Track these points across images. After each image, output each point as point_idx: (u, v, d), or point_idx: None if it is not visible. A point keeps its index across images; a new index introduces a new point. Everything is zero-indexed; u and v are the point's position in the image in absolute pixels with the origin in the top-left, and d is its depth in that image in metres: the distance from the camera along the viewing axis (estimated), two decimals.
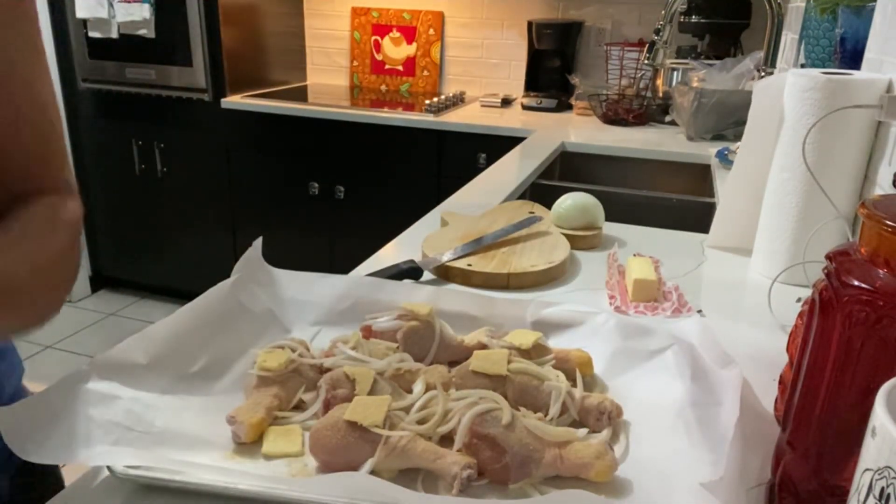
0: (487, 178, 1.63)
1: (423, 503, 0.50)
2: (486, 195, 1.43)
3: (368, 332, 0.73)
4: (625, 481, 0.56)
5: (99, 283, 3.25)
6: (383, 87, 3.14)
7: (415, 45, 3.05)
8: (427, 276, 0.94)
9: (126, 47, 2.75)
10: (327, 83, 3.23)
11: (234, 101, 2.68)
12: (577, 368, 0.67)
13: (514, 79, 2.95)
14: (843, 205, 0.92)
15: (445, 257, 0.96)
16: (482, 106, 2.78)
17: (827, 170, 0.91)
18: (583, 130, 2.34)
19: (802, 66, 1.61)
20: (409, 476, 0.56)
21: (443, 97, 2.74)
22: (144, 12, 2.64)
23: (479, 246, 1.00)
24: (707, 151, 1.96)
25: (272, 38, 2.99)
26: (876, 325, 0.43)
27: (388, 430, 0.55)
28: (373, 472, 0.54)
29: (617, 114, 2.43)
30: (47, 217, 0.56)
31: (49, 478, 0.67)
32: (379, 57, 3.11)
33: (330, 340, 0.71)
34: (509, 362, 0.64)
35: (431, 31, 3.01)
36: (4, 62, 0.54)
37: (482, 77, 3.03)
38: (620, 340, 0.73)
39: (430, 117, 2.48)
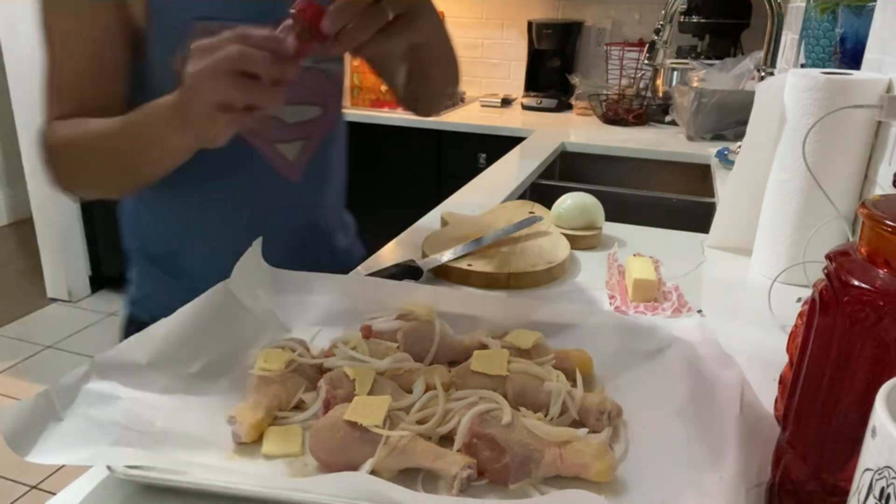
0: (487, 178, 1.63)
1: (423, 503, 0.50)
2: (486, 195, 1.43)
3: (368, 332, 0.73)
4: (625, 481, 0.55)
5: (99, 283, 3.25)
6: (383, 87, 3.13)
7: None
8: (427, 276, 0.94)
9: None
10: None
11: None
12: (577, 368, 0.67)
13: (514, 79, 2.96)
14: (843, 205, 0.92)
15: (445, 257, 0.96)
16: (482, 106, 2.78)
17: (827, 170, 0.91)
18: (583, 130, 2.34)
19: (802, 66, 1.61)
20: (409, 476, 0.56)
21: None
22: None
23: (479, 246, 1.00)
24: (707, 151, 1.96)
25: None
26: (876, 325, 0.43)
27: (388, 430, 0.55)
28: (373, 472, 0.54)
29: (617, 114, 2.43)
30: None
31: None
32: None
33: (330, 340, 0.71)
34: (509, 362, 0.64)
35: None
36: None
37: (482, 77, 3.03)
38: (620, 340, 0.73)
39: (429, 117, 2.48)
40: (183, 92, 0.64)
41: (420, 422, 0.58)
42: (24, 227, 3.84)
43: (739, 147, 1.29)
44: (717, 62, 2.19)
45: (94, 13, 0.78)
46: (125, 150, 0.74)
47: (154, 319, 0.74)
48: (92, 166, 0.77)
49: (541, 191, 1.78)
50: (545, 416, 0.61)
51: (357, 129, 2.54)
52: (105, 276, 3.23)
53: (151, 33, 0.81)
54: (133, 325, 0.97)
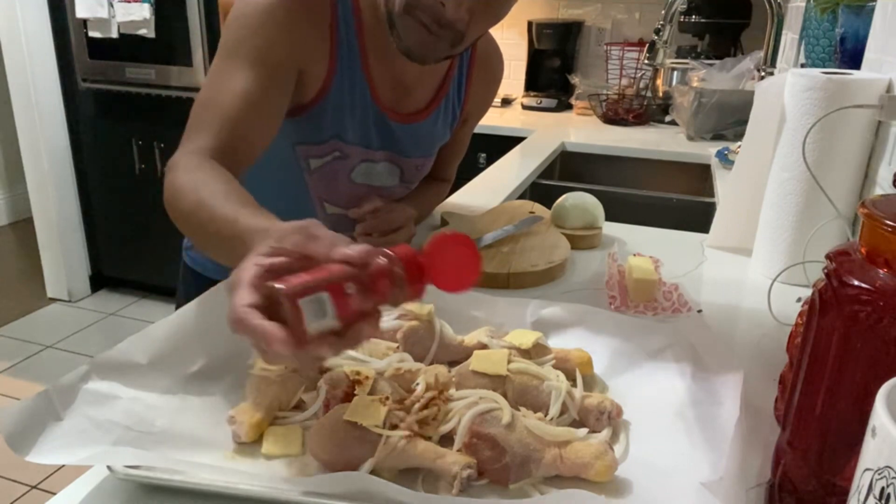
0: (487, 178, 1.63)
1: (423, 503, 0.50)
2: (486, 195, 1.43)
3: None
4: (625, 481, 0.55)
5: (99, 283, 3.25)
6: None
7: None
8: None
9: (126, 47, 2.75)
10: None
11: None
12: (577, 368, 0.67)
13: (514, 79, 2.95)
14: (843, 205, 0.92)
15: None
16: None
17: (827, 170, 0.91)
18: (583, 130, 2.34)
19: (802, 65, 1.61)
20: (409, 476, 0.56)
21: None
22: (144, 12, 2.64)
23: (479, 246, 1.00)
24: (707, 151, 1.96)
25: None
26: (876, 325, 0.43)
27: (388, 430, 0.55)
28: (373, 472, 0.54)
29: (617, 114, 2.43)
30: (441, 190, 1.23)
31: None
32: None
33: None
34: (509, 362, 0.64)
35: None
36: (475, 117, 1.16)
37: None
38: (620, 340, 0.73)
39: None
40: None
41: (420, 422, 0.58)
42: (24, 227, 3.84)
43: (739, 147, 1.29)
44: (717, 62, 2.19)
45: (264, 79, 0.83)
46: (198, 234, 0.74)
47: (198, 272, 1.08)
48: (180, 219, 0.75)
49: (541, 191, 1.78)
50: (545, 416, 0.61)
51: None
52: (105, 276, 3.23)
53: (304, 118, 0.93)
54: (188, 272, 1.15)
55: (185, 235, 0.80)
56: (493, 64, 1.11)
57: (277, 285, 0.48)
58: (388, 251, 0.53)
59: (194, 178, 0.73)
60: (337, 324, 0.49)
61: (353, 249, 0.52)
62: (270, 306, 0.49)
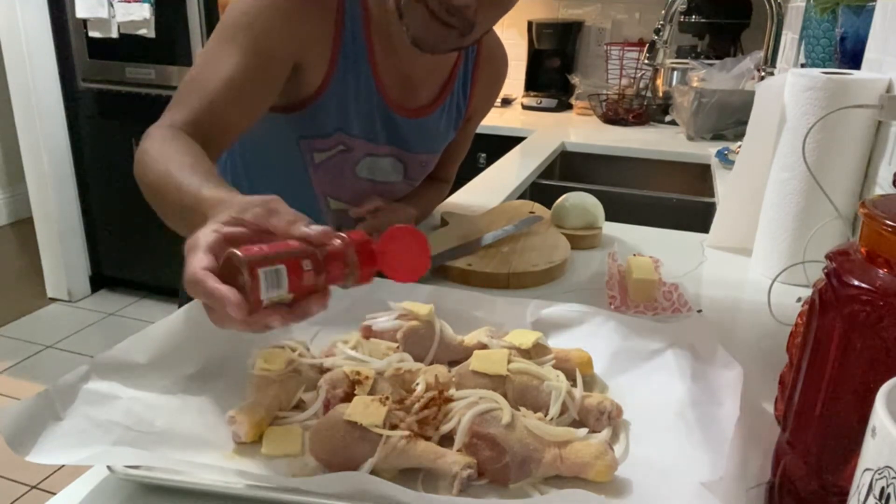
0: (487, 178, 1.63)
1: (423, 503, 0.50)
2: (486, 195, 1.43)
3: (368, 332, 0.73)
4: (625, 481, 0.55)
5: (99, 283, 3.25)
6: None
7: None
8: (427, 275, 0.94)
9: (126, 47, 2.75)
10: None
11: None
12: (577, 368, 0.67)
13: (514, 78, 2.94)
14: (843, 205, 0.92)
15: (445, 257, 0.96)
16: None
17: (827, 169, 0.91)
18: (583, 130, 2.34)
19: (802, 65, 1.61)
20: (409, 476, 0.56)
21: None
22: (144, 12, 2.64)
23: (479, 246, 1.00)
24: (707, 151, 1.96)
25: None
26: (876, 325, 0.43)
27: (388, 430, 0.55)
28: (373, 472, 0.54)
29: (617, 114, 2.43)
30: (441, 190, 1.24)
31: None
32: None
33: (330, 340, 0.71)
34: (509, 362, 0.64)
35: None
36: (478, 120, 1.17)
37: None
38: (620, 340, 0.73)
39: None
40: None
41: (420, 422, 0.58)
42: (24, 227, 3.84)
43: (739, 147, 1.29)
44: (717, 62, 2.19)
45: (253, 69, 0.83)
46: (161, 203, 0.74)
47: None
48: (145, 187, 0.77)
49: (541, 191, 1.78)
50: (545, 416, 0.61)
51: None
52: (105, 276, 3.23)
53: (308, 111, 0.93)
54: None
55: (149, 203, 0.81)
56: (498, 63, 1.12)
57: (238, 253, 0.51)
58: (343, 235, 0.56)
59: (163, 150, 0.75)
60: (289, 296, 0.52)
61: (312, 229, 0.55)
62: (225, 272, 0.51)
